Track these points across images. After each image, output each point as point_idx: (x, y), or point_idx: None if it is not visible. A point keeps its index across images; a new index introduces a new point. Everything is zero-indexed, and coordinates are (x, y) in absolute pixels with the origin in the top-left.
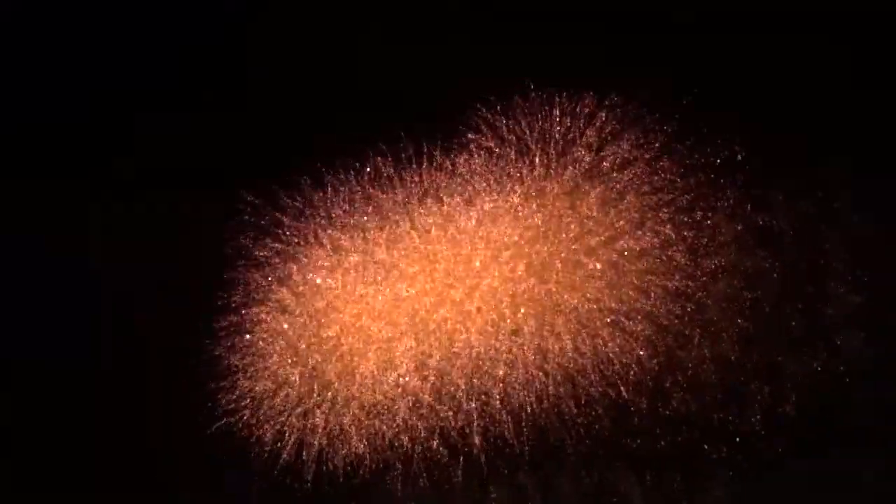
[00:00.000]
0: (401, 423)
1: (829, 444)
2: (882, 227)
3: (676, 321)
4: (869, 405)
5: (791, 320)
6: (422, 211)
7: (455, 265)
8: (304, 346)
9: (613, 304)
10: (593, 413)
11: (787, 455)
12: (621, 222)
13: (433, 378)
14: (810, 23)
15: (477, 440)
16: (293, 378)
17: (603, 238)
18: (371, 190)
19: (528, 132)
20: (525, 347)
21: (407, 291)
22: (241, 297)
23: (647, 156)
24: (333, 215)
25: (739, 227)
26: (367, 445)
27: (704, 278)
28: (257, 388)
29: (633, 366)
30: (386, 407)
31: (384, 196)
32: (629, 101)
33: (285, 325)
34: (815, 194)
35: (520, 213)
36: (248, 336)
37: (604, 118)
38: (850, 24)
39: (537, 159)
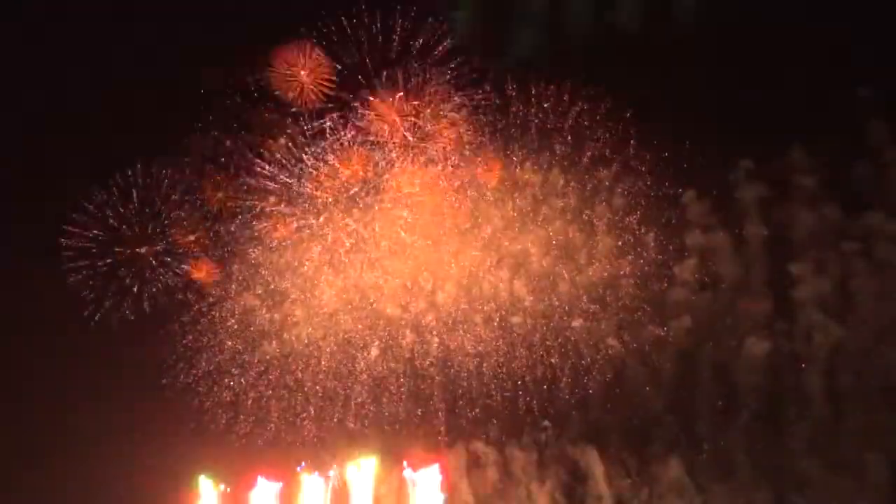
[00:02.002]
0: (361, 410)
1: (783, 425)
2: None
3: (644, 316)
4: (821, 391)
5: (752, 313)
6: (394, 197)
7: (426, 253)
8: (265, 329)
9: (585, 303)
10: (557, 397)
11: (742, 435)
12: (598, 220)
13: (397, 364)
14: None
15: (442, 424)
16: (251, 360)
17: (578, 234)
18: (341, 171)
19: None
20: (496, 337)
21: (376, 278)
22: (203, 274)
23: (623, 155)
24: (302, 195)
25: (708, 231)
26: (323, 430)
27: (674, 278)
28: (214, 368)
29: (599, 358)
30: (344, 393)
31: (355, 181)
32: (607, 94)
33: (247, 306)
34: (782, 190)
35: (492, 203)
36: (208, 315)
37: (581, 110)
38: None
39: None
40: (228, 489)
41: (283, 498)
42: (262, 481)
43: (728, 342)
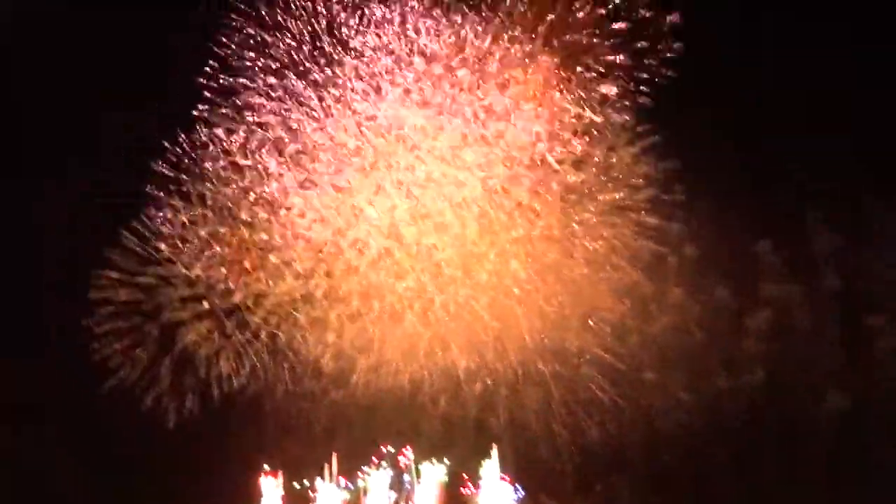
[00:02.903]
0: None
1: (859, 485)
2: None
3: (716, 370)
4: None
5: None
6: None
7: (491, 309)
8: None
9: (655, 355)
10: (627, 451)
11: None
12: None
13: (463, 422)
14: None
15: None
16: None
17: (648, 285)
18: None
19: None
20: (563, 390)
21: (442, 333)
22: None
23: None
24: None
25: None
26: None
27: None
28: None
29: (670, 412)
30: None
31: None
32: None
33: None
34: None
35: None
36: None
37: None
38: None
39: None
40: (307, 482)
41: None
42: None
43: (803, 397)
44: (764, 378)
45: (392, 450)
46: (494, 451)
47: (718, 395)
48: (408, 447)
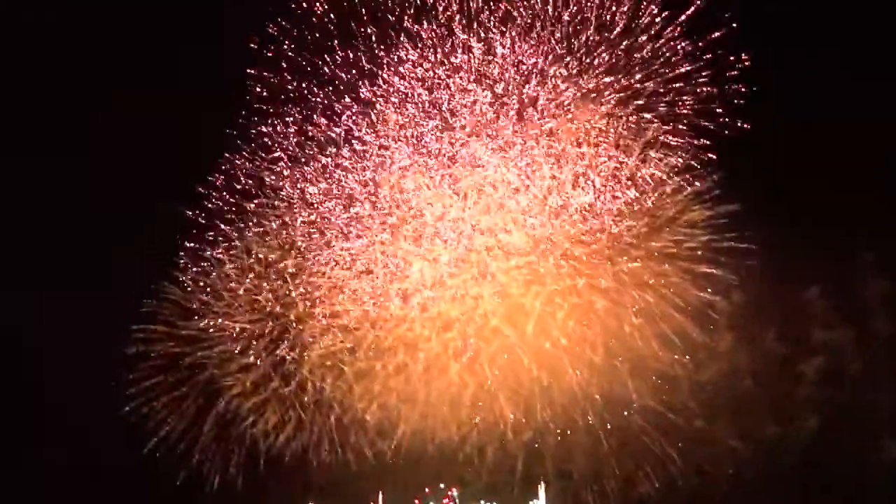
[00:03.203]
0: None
1: None
2: None
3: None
4: None
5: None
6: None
7: (538, 357)
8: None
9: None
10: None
11: None
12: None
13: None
14: None
15: None
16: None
17: (697, 332)
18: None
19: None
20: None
21: (487, 385)
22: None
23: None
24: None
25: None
26: None
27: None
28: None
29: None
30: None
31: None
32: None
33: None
34: None
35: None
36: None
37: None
38: None
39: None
40: None
41: None
42: None
43: (857, 446)
44: (816, 426)
45: (442, 486)
46: (542, 490)
47: (771, 444)
48: (453, 489)
